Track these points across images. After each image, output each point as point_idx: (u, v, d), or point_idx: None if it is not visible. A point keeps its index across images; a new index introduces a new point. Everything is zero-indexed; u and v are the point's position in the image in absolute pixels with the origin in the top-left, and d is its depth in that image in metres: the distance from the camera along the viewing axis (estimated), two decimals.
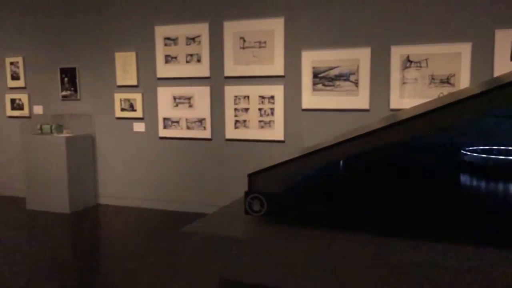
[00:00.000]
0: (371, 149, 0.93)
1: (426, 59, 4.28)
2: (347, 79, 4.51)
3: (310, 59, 4.61)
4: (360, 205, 1.03)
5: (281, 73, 4.76)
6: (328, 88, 4.58)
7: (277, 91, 4.79)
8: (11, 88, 6.17)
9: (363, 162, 1.47)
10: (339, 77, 4.54)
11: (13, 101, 6.18)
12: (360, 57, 4.45)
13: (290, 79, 4.76)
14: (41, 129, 5.66)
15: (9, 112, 6.21)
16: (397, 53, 4.35)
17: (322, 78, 4.59)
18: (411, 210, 0.95)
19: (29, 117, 6.10)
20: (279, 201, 1.04)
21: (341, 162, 1.48)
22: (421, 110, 0.90)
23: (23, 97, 6.10)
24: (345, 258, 0.85)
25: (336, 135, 1.79)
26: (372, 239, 0.90)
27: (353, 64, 4.48)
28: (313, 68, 4.61)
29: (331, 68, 4.55)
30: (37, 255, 4.10)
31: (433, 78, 4.28)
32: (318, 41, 4.62)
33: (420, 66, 4.30)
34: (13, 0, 5.97)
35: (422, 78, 4.31)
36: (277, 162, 1.05)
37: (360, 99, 4.49)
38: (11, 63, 6.10)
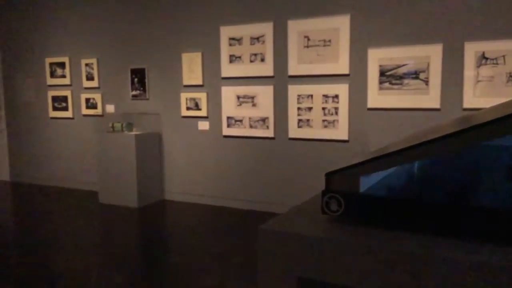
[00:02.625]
0: (450, 151, 0.89)
1: (503, 56, 4.03)
2: (416, 77, 4.34)
3: (377, 56, 4.50)
4: (438, 208, 0.98)
5: (346, 71, 4.68)
6: (395, 86, 4.44)
7: (342, 90, 4.71)
8: (86, 88, 6.55)
9: (440, 164, 1.41)
10: (407, 75, 4.38)
11: (87, 100, 6.56)
12: (430, 54, 4.27)
13: (355, 77, 4.67)
14: (112, 127, 5.96)
15: (84, 111, 6.60)
16: (472, 49, 4.13)
17: (390, 76, 4.46)
18: (494, 213, 0.90)
19: (101, 116, 6.44)
20: (357, 201, 1.02)
21: (415, 163, 1.42)
22: (504, 112, 0.84)
23: (97, 97, 6.46)
24: (423, 261, 0.82)
25: (410, 135, 1.73)
26: (454, 243, 0.86)
27: (423, 61, 4.31)
28: (380, 66, 4.49)
29: (399, 66, 4.40)
30: (106, 246, 4.32)
31: (511, 76, 4.02)
32: (385, 38, 4.49)
33: (497, 63, 4.05)
34: (88, 5, 6.33)
35: (499, 76, 4.06)
36: (355, 162, 1.03)
37: (430, 98, 4.31)
38: (86, 65, 6.48)
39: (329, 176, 1.03)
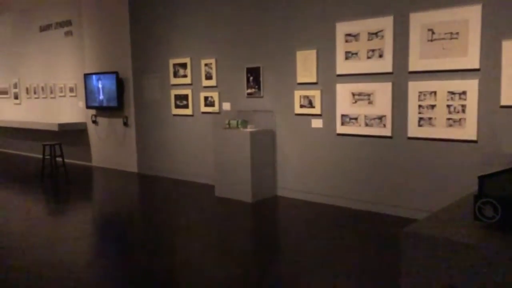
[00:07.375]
0: None
1: None
2: None
3: None
4: None
5: (476, 66, 4.28)
6: None
7: (470, 85, 4.33)
8: (205, 87, 6.90)
9: None
10: None
11: (206, 98, 6.91)
12: None
13: (486, 72, 4.26)
14: (229, 124, 6.21)
15: (203, 109, 6.97)
16: None
17: None
18: None
19: (218, 113, 6.75)
20: None
21: None
22: None
23: (214, 95, 6.78)
24: None
25: None
26: None
27: None
28: None
29: None
30: (220, 239, 4.50)
31: None
32: None
33: None
34: (208, 9, 6.66)
35: None
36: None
37: None
38: (206, 65, 6.83)
39: (484, 179, 0.93)
